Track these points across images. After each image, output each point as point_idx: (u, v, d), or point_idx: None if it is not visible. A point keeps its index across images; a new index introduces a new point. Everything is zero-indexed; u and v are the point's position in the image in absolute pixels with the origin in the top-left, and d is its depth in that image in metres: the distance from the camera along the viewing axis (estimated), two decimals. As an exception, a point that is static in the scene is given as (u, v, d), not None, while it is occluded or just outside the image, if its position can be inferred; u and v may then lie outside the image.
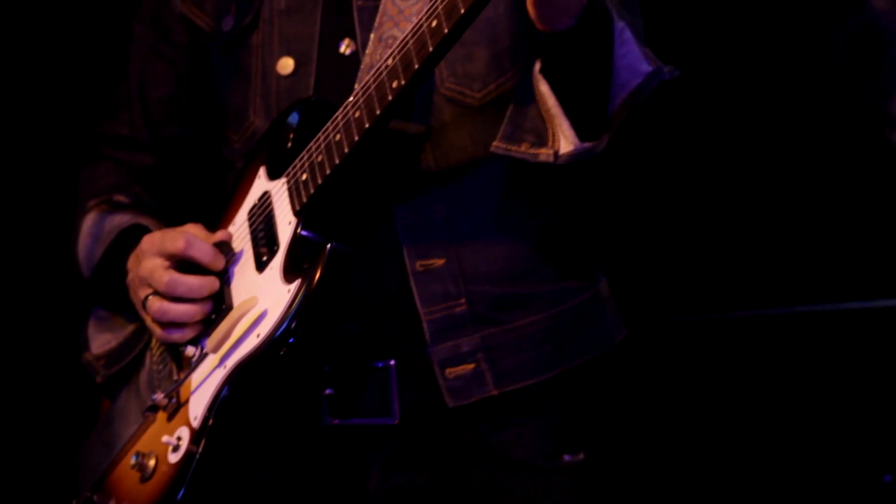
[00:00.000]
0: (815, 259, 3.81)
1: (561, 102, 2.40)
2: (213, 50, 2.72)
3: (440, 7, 2.32)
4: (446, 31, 2.31)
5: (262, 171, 2.62)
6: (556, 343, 2.60)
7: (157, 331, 2.59)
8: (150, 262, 2.58)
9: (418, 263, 2.55)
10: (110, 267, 2.69)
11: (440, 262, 2.55)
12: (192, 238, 2.56)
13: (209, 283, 2.57)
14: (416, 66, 2.35)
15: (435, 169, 2.56)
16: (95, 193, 2.79)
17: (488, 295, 2.57)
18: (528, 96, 2.46)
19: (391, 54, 2.39)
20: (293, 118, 2.59)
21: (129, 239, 2.68)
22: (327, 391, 2.56)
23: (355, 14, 2.60)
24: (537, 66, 2.43)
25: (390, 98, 2.39)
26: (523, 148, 2.46)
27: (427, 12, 2.34)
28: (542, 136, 2.43)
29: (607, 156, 2.46)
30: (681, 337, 3.83)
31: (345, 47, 2.61)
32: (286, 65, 2.64)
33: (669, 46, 2.62)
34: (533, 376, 2.58)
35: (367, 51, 2.55)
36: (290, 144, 2.58)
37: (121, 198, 2.76)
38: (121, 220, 2.73)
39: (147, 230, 2.69)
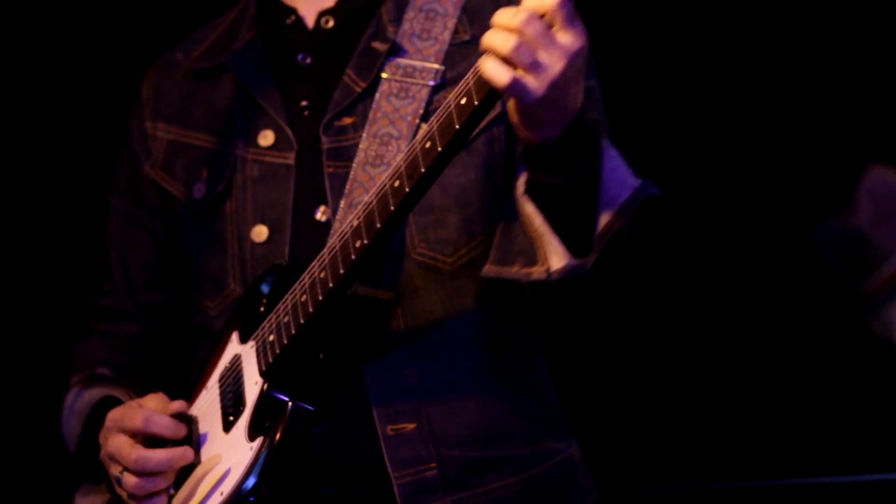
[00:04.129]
0: (798, 434, 3.73)
1: (549, 220, 2.37)
2: (185, 215, 2.73)
3: (402, 167, 2.33)
4: (408, 189, 2.32)
5: (234, 336, 2.63)
6: None
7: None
8: (115, 439, 2.57)
9: (389, 428, 2.52)
10: (87, 443, 2.69)
11: (411, 426, 2.52)
12: (149, 414, 2.55)
13: (178, 455, 2.55)
14: (379, 226, 2.36)
15: (406, 334, 2.55)
16: (79, 369, 2.81)
17: (459, 459, 2.52)
18: (513, 220, 2.44)
19: (356, 215, 2.41)
20: (266, 284, 2.61)
21: (100, 413, 2.67)
22: None
23: (326, 181, 2.60)
24: (521, 187, 2.40)
25: (354, 258, 2.39)
26: (515, 269, 2.43)
27: (390, 173, 2.36)
28: (532, 257, 2.40)
29: (587, 283, 2.41)
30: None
31: (320, 214, 2.61)
32: (260, 232, 2.64)
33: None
34: None
35: (338, 217, 2.56)
36: (262, 309, 2.60)
37: (103, 370, 2.76)
38: (95, 393, 2.72)
39: (117, 401, 2.67)
